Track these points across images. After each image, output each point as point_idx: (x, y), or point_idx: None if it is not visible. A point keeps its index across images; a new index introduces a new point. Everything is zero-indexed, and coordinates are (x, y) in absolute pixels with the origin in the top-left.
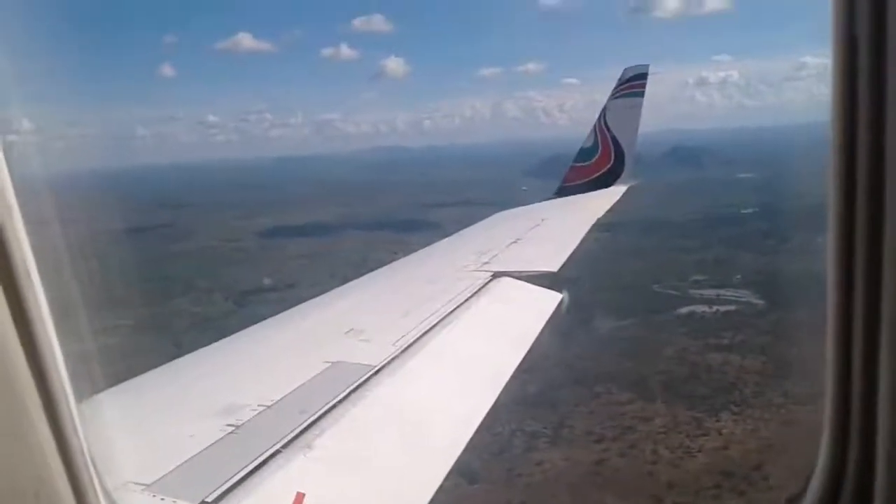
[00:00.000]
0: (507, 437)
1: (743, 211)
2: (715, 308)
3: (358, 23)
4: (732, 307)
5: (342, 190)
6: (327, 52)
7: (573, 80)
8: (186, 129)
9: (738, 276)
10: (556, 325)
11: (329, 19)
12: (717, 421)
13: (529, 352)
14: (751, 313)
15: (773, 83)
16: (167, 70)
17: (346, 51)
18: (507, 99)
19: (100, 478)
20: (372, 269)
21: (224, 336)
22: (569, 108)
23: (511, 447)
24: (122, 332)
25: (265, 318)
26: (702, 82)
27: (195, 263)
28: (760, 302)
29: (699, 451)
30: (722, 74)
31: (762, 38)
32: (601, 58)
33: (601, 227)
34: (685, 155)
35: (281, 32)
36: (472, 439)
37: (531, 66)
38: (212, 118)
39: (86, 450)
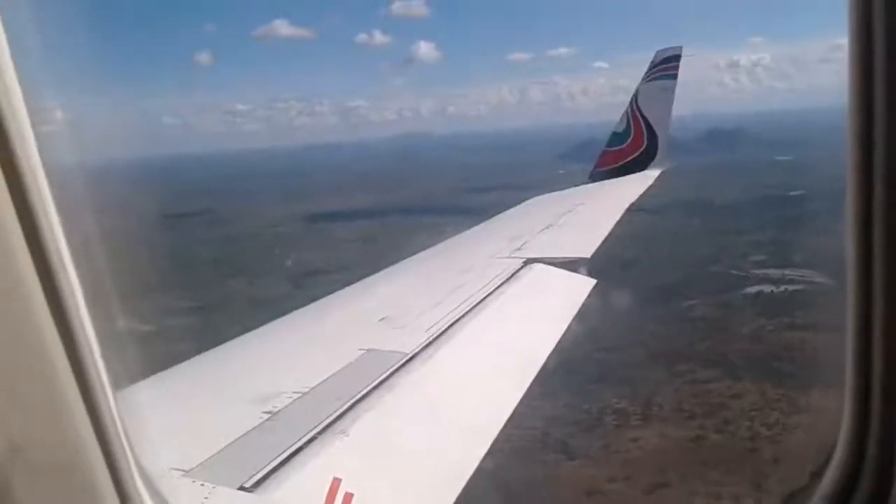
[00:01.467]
0: (596, 414)
1: (790, 193)
2: (783, 287)
3: (396, 7)
4: (800, 286)
5: (375, 176)
6: (361, 38)
7: (603, 64)
8: (214, 119)
9: (800, 256)
10: (624, 303)
11: (369, 4)
12: (809, 398)
13: (563, 337)
14: (820, 292)
15: (806, 65)
16: (204, 58)
17: (379, 37)
18: (533, 84)
19: (138, 464)
20: (420, 252)
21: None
22: (593, 92)
23: (602, 424)
24: (186, 313)
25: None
26: (733, 65)
27: (245, 247)
28: (828, 281)
29: (797, 428)
30: (754, 57)
31: (800, 20)
32: (634, 40)
33: (647, 209)
34: (721, 138)
35: (319, 18)
36: (565, 415)
37: (562, 51)
38: (240, 107)
39: (124, 437)
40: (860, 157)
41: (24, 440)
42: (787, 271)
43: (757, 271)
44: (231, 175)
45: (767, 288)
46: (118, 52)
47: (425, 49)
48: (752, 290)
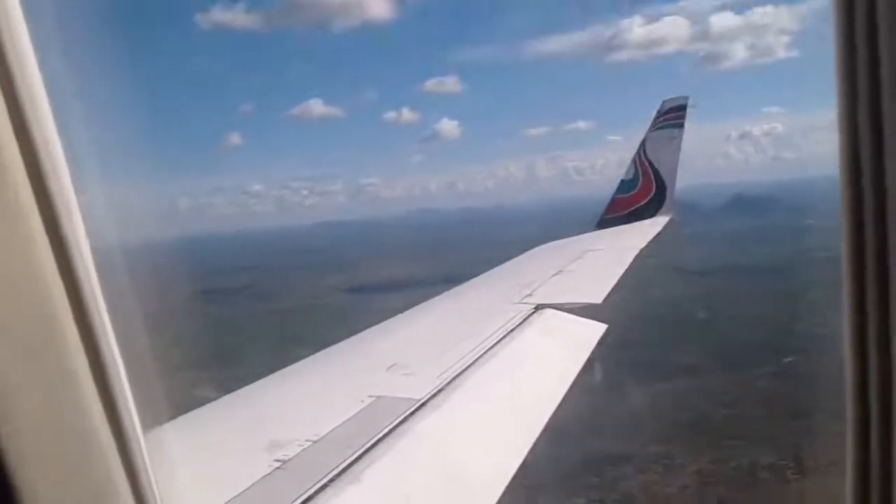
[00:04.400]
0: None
1: (839, 253)
2: None
3: (430, 84)
4: None
5: (395, 251)
6: (390, 115)
7: (616, 138)
8: (229, 200)
9: None
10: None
11: (404, 80)
12: None
13: (574, 384)
14: None
15: (815, 134)
16: (234, 139)
17: (406, 114)
18: (541, 159)
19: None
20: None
21: None
22: (601, 166)
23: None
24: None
25: None
26: (745, 136)
27: (296, 319)
28: None
29: None
30: (766, 127)
31: (821, 89)
32: (654, 111)
33: (698, 272)
34: (748, 204)
35: (352, 96)
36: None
37: (581, 124)
38: (256, 187)
39: (153, 481)
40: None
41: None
42: None
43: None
44: (251, 254)
45: None
46: (150, 133)
47: (448, 127)
48: None
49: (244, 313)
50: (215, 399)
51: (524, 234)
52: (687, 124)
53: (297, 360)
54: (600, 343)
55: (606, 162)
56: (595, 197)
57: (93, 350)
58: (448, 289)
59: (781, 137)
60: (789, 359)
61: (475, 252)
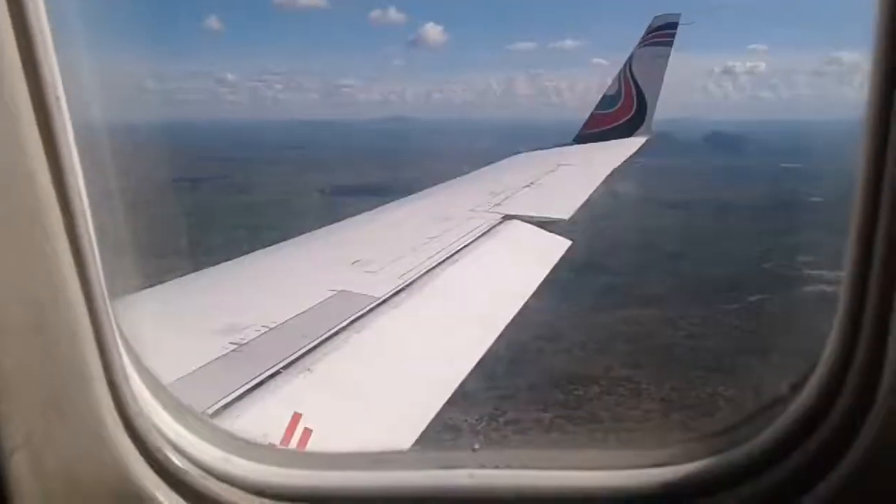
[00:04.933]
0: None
1: (811, 199)
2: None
3: None
4: None
5: (376, 156)
6: (375, 13)
7: (602, 61)
8: (201, 87)
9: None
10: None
11: None
12: None
13: (532, 298)
14: None
15: (795, 77)
16: (213, 23)
17: (393, 14)
18: (522, 76)
19: (129, 347)
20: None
21: None
22: (582, 89)
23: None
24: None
25: None
26: (727, 71)
27: (273, 214)
28: None
29: None
30: (749, 65)
31: (813, 31)
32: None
33: (671, 204)
34: (724, 142)
35: None
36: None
37: (568, 43)
38: (230, 76)
39: (119, 345)
40: (872, 159)
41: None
42: (841, 273)
43: (811, 272)
44: (226, 144)
45: (828, 288)
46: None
47: (432, 32)
48: (812, 289)
49: (216, 204)
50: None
51: (498, 150)
52: (672, 52)
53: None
54: (563, 259)
55: (587, 86)
56: (573, 119)
57: (70, 222)
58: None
59: (763, 77)
60: (754, 297)
61: (449, 164)
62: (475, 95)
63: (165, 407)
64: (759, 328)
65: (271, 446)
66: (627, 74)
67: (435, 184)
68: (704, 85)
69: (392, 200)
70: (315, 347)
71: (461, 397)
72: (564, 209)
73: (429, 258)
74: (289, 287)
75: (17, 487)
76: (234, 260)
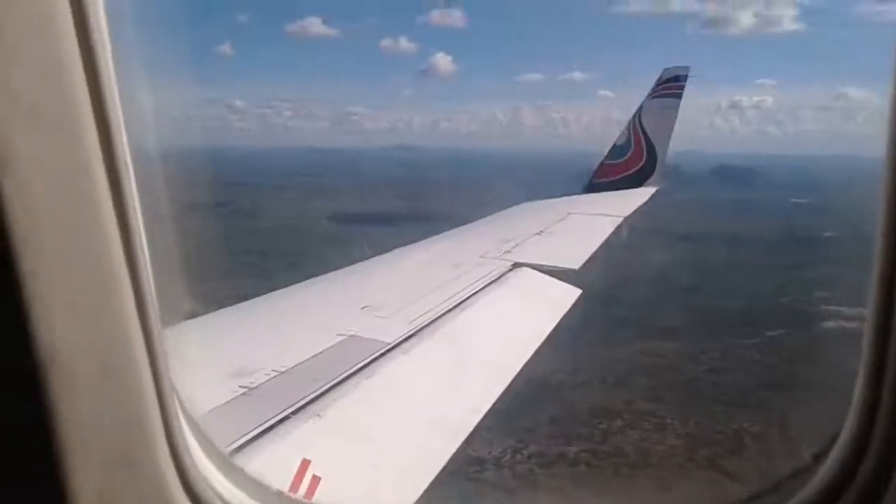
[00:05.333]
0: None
1: (824, 233)
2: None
3: (436, 16)
4: None
5: (385, 184)
6: (386, 42)
7: (608, 93)
8: (213, 113)
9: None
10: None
11: (409, 8)
12: None
13: (544, 345)
14: None
15: (801, 112)
16: (226, 49)
17: (404, 44)
18: (529, 106)
19: (182, 405)
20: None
21: None
22: (587, 121)
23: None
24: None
25: None
26: (734, 105)
27: (283, 240)
28: None
29: None
30: (756, 99)
31: (821, 66)
32: (652, 71)
33: (683, 237)
34: (731, 175)
35: (353, 19)
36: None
37: (577, 75)
38: (238, 103)
39: (171, 378)
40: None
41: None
42: (862, 309)
43: (829, 307)
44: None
45: (849, 325)
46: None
47: (442, 62)
48: (832, 324)
49: (223, 229)
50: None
51: (504, 181)
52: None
53: (273, 275)
54: (576, 304)
55: (592, 118)
56: (578, 151)
57: (133, 266)
58: (439, 228)
59: (769, 112)
60: (773, 332)
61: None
62: (481, 126)
63: (213, 460)
64: (780, 363)
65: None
66: (637, 125)
67: (442, 214)
68: (711, 119)
69: (398, 229)
70: (325, 392)
71: (486, 431)
72: (574, 258)
73: (439, 304)
74: (299, 331)
75: None
76: (245, 302)
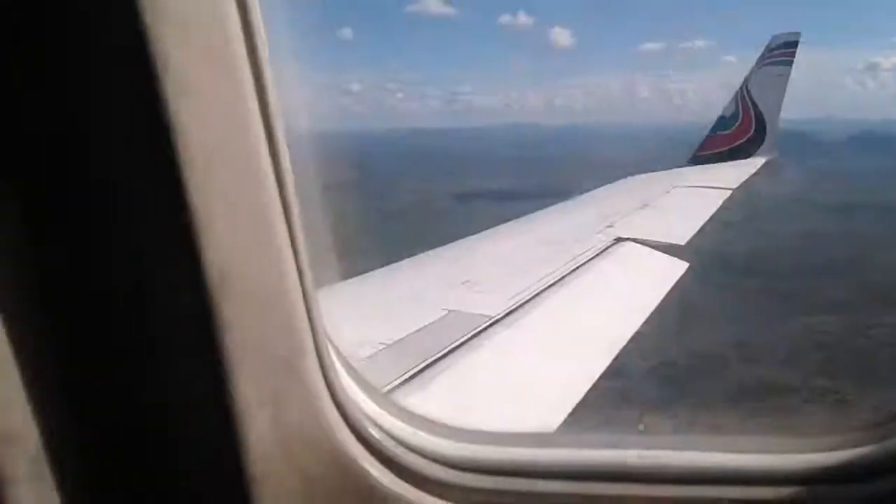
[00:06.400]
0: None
1: None
2: None
3: None
4: None
5: (503, 163)
6: (505, 19)
7: (731, 58)
8: (328, 97)
9: None
10: None
11: None
12: None
13: (649, 320)
14: None
15: None
16: (346, 32)
17: (523, 18)
18: (646, 77)
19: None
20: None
21: None
22: (705, 90)
23: None
24: None
25: None
26: (872, 67)
27: (412, 220)
28: None
29: None
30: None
31: None
32: (780, 31)
33: (824, 207)
34: (872, 142)
35: None
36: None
37: (698, 43)
38: (355, 87)
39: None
40: None
41: (237, 270)
42: None
43: None
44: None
45: None
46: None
47: (559, 36)
48: None
49: (351, 211)
50: None
51: (617, 155)
52: (810, 53)
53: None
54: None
55: (712, 86)
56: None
57: (289, 219)
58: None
59: None
60: None
61: (591, 171)
62: (596, 101)
63: (359, 385)
64: None
65: (452, 425)
66: (745, 94)
67: (559, 189)
68: (845, 82)
69: (529, 206)
70: (430, 365)
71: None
72: (680, 234)
73: (540, 280)
74: (402, 306)
75: (259, 444)
76: (352, 279)
